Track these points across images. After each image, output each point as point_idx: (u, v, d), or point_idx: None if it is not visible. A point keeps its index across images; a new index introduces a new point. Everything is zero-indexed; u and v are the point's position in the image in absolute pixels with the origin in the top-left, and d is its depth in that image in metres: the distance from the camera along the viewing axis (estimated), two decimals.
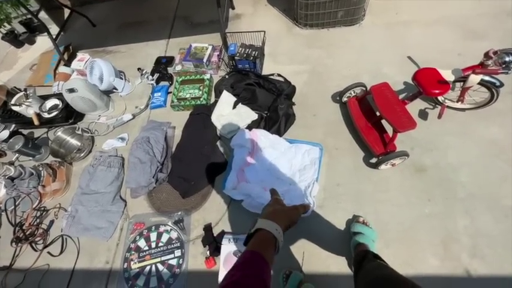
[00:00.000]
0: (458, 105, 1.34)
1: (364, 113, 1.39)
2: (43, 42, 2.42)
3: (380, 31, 1.81)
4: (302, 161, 1.25)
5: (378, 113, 1.36)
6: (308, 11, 1.80)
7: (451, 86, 1.09)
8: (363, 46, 1.76)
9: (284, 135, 1.45)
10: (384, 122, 1.33)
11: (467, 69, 1.08)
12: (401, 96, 1.44)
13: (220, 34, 1.90)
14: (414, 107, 1.41)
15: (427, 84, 1.11)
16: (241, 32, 1.79)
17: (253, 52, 1.69)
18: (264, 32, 1.77)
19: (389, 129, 1.31)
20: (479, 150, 1.29)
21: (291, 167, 1.25)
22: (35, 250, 1.39)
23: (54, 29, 2.25)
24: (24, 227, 1.43)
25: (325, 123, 1.50)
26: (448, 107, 1.36)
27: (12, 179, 1.55)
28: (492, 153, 1.27)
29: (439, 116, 1.32)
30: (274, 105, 1.46)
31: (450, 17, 1.77)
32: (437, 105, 1.42)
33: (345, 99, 1.49)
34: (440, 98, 1.38)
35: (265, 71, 1.76)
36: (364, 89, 1.41)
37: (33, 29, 2.46)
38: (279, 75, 1.67)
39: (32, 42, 2.46)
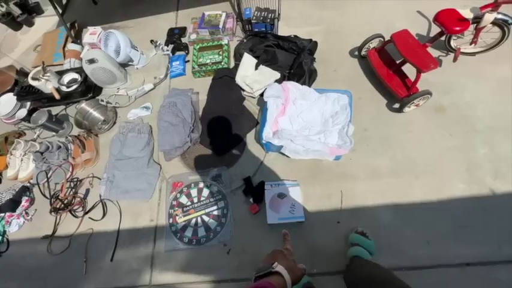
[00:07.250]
0: (471, 48, 1.44)
1: (384, 62, 1.47)
2: (42, 24, 2.35)
3: None
4: (333, 108, 1.32)
5: (398, 61, 1.45)
6: None
7: (471, 22, 1.18)
8: (374, 3, 1.82)
9: None
10: (404, 68, 1.41)
11: (484, 7, 1.17)
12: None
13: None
14: None
15: (449, 22, 1.19)
16: None
17: (270, 14, 1.72)
18: None
19: (410, 74, 1.40)
20: (493, 88, 1.40)
21: (323, 114, 1.32)
22: (76, 217, 1.41)
23: (50, 11, 2.18)
24: (60, 198, 1.44)
25: (346, 76, 1.57)
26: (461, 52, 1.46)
27: (40, 153, 1.54)
28: (504, 89, 1.38)
29: (454, 59, 1.41)
30: (298, 61, 1.51)
31: None
32: (449, 52, 1.52)
33: (364, 52, 1.55)
34: (453, 44, 1.47)
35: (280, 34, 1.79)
36: (382, 39, 1.48)
37: (30, 10, 2.37)
38: (295, 36, 1.71)
39: (30, 24, 2.37)
